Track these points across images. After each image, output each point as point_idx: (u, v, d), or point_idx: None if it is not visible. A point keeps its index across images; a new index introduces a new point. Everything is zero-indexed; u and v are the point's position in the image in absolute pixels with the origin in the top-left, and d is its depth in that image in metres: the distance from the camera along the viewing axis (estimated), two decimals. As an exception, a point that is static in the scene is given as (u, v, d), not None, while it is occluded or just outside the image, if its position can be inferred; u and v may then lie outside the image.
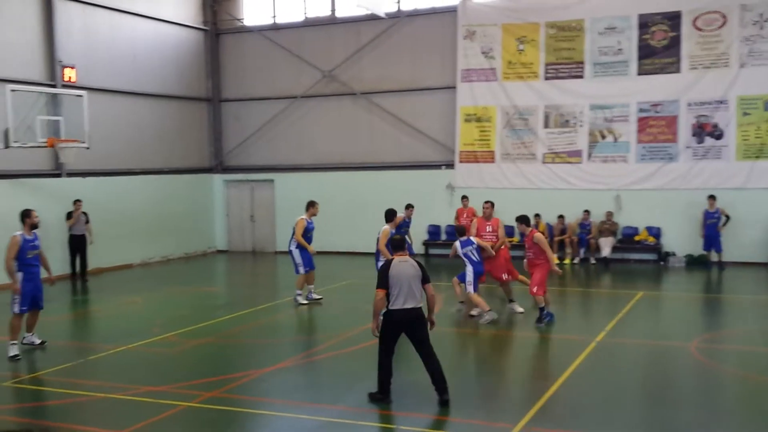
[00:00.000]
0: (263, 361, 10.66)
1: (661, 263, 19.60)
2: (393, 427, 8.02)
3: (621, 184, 20.05)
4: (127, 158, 21.11)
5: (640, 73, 19.77)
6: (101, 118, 19.04)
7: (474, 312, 13.00)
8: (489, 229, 13.66)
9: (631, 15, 19.76)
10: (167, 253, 22.21)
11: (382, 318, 8.46)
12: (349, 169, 22.86)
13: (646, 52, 19.68)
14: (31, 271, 11.12)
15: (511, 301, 13.62)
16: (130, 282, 18.38)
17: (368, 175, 22.49)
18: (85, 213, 18.26)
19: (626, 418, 8.08)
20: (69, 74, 18.98)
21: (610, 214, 20.00)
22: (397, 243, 8.87)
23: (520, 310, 13.33)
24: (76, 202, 18.15)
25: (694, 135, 19.41)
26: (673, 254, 19.58)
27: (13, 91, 15.14)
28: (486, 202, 14.16)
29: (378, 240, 13.47)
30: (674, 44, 19.41)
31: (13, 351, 10.80)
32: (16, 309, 10.94)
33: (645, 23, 19.64)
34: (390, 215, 13.50)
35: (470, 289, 12.85)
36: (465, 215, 18.03)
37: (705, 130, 19.34)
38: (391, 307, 8.35)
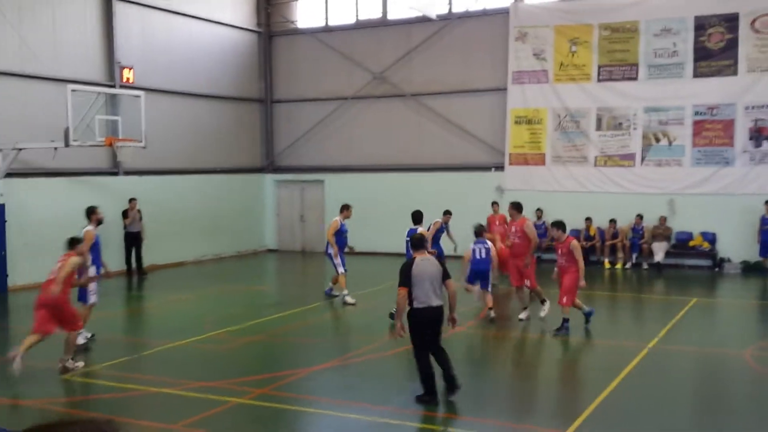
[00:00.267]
0: (311, 359, 10.79)
1: (716, 269, 19.18)
2: (440, 428, 8.04)
3: (675, 188, 19.69)
4: (182, 158, 21.53)
5: (695, 76, 19.39)
6: (157, 118, 19.46)
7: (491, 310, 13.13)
8: (514, 230, 13.37)
9: (687, 17, 19.38)
10: (220, 252, 22.58)
11: (406, 318, 8.52)
12: (398, 171, 22.92)
13: (702, 54, 19.29)
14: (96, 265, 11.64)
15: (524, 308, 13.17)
16: (183, 279, 18.75)
17: (417, 176, 22.52)
18: (139, 211, 18.70)
19: (678, 425, 7.96)
20: (127, 75, 19.47)
21: (663, 219, 19.65)
22: (417, 242, 8.89)
23: (522, 316, 13.00)
24: (132, 200, 18.60)
25: (751, 139, 18.96)
26: (729, 260, 19.15)
27: (73, 91, 15.54)
28: (510, 204, 13.66)
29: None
30: (731, 46, 18.98)
31: (82, 340, 11.19)
32: (93, 300, 11.39)
33: (701, 25, 19.25)
34: (417, 217, 13.37)
35: (465, 283, 12.98)
36: (497, 222, 17.56)
37: (762, 134, 18.87)
38: (416, 306, 8.34)
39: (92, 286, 11.36)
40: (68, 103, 15.25)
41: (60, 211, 17.57)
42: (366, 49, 23.38)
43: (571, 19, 20.58)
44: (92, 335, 11.80)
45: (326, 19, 24.11)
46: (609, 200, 20.21)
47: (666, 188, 19.76)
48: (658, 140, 19.92)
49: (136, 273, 18.73)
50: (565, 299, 11.92)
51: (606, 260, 19.87)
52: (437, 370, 8.56)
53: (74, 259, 10.02)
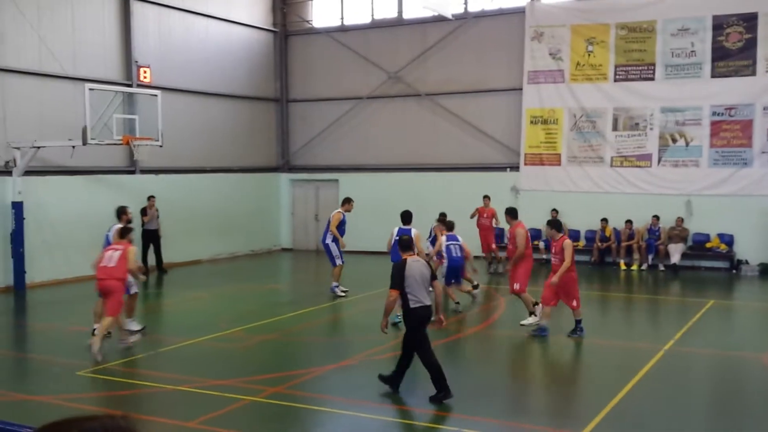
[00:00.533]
0: (326, 358, 10.82)
1: (733, 271, 19.03)
2: (455, 429, 8.03)
3: (692, 189, 19.55)
4: (198, 156, 21.64)
5: (713, 76, 19.25)
6: (174, 117, 19.57)
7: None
8: (509, 236, 13.44)
9: (705, 16, 19.24)
10: (234, 250, 22.68)
11: (400, 318, 8.65)
12: (413, 170, 22.93)
13: (720, 54, 19.15)
14: None
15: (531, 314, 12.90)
16: (199, 277, 18.85)
17: (432, 176, 22.52)
18: (157, 209, 18.82)
19: (694, 429, 7.91)
20: (144, 74, 19.59)
21: (680, 220, 19.52)
22: (405, 243, 9.05)
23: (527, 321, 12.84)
24: (150, 198, 18.71)
25: (770, 139, 18.81)
26: (746, 262, 19.00)
27: (91, 90, 15.65)
28: (505, 211, 13.46)
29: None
30: (750, 46, 18.82)
31: (135, 326, 11.82)
32: (135, 290, 11.92)
33: (719, 24, 19.11)
34: (406, 217, 13.30)
35: (443, 281, 13.22)
36: (485, 215, 18.63)
37: (782, 135, 18.72)
38: (413, 306, 8.52)
39: (130, 278, 11.73)
40: (86, 102, 15.36)
41: (77, 208, 17.74)
42: (381, 48, 23.40)
43: (587, 19, 20.50)
44: (143, 327, 12.07)
45: (342, 18, 24.15)
46: (625, 201, 20.11)
47: (683, 189, 19.63)
48: (675, 141, 19.80)
49: (156, 270, 18.89)
50: (575, 302, 11.72)
51: (622, 261, 19.78)
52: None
53: (133, 248, 10.98)
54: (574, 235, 20.79)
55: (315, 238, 24.64)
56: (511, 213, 13.08)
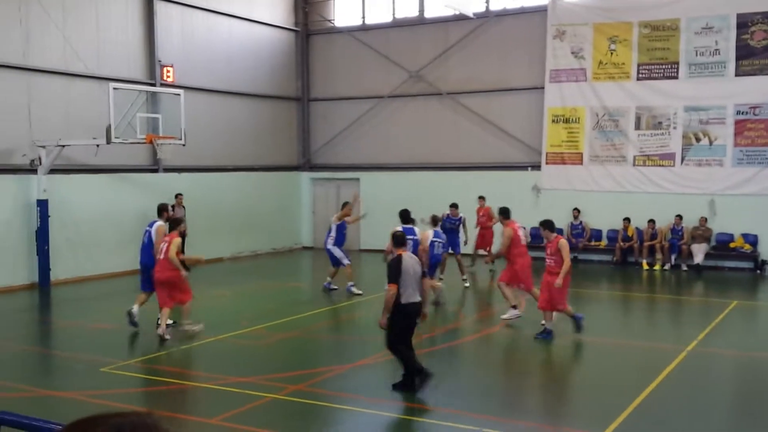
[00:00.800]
0: (346, 356, 10.86)
1: (758, 272, 18.82)
2: (475, 429, 8.03)
3: (716, 188, 19.36)
4: (220, 155, 21.78)
5: (738, 75, 19.04)
6: (196, 115, 19.71)
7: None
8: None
9: (730, 14, 19.03)
10: (256, 248, 22.80)
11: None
12: (434, 169, 22.90)
13: (744, 52, 18.93)
14: None
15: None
16: (221, 275, 18.97)
17: (453, 175, 22.47)
18: (183, 206, 18.96)
19: (716, 429, 7.85)
20: (167, 73, 19.74)
21: (703, 220, 19.34)
22: (400, 239, 9.19)
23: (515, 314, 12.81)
24: (178, 195, 18.82)
25: (796, 139, 18.58)
26: (771, 263, 18.80)
27: (115, 89, 15.80)
28: (498, 211, 13.90)
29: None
30: (776, 44, 18.61)
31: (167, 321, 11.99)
32: None
33: (744, 23, 18.89)
34: (406, 216, 13.69)
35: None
36: (481, 214, 19.10)
37: (808, 134, 18.47)
38: (403, 302, 8.62)
39: None
40: (110, 101, 15.51)
41: (101, 207, 17.95)
42: (402, 47, 23.40)
43: (610, 17, 20.36)
44: (174, 322, 12.28)
45: (363, 17, 24.18)
46: (648, 200, 19.96)
47: (706, 189, 19.44)
48: (698, 140, 19.61)
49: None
50: (560, 306, 11.55)
51: (644, 261, 19.62)
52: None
53: (177, 240, 11.67)
54: (596, 235, 20.70)
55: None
56: (504, 213, 13.23)
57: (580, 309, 12.71)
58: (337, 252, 15.72)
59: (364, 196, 23.69)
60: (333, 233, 15.88)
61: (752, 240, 19.08)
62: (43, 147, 16.36)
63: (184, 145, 17.14)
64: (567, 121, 21.06)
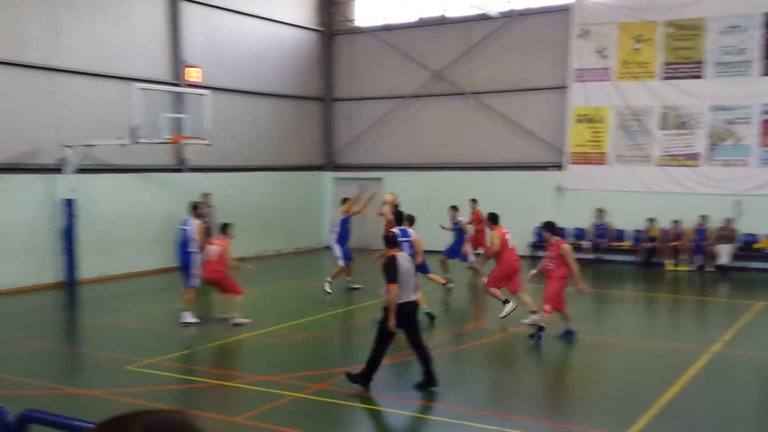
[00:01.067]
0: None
1: (784, 273, 18.62)
2: (497, 429, 8.04)
3: (741, 189, 19.16)
4: (244, 155, 21.92)
5: (764, 74, 18.82)
6: (221, 115, 19.82)
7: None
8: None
9: (755, 13, 18.82)
10: (279, 248, 22.92)
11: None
12: (456, 169, 22.89)
13: (771, 51, 18.73)
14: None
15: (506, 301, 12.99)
16: (244, 274, 19.04)
17: (476, 175, 22.44)
18: (210, 206, 19.09)
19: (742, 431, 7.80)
20: (192, 74, 19.91)
21: (728, 220, 19.15)
22: (392, 240, 9.25)
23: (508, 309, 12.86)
24: (206, 195, 18.91)
25: (823, 139, 18.33)
26: (798, 264, 18.56)
27: (141, 89, 15.98)
28: (486, 216, 14.12)
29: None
30: (804, 43, 18.38)
31: (191, 318, 12.69)
32: (195, 282, 12.94)
33: (771, 21, 18.69)
34: (402, 218, 13.36)
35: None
36: (473, 217, 18.74)
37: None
38: (399, 301, 8.70)
39: (196, 271, 12.85)
40: (136, 102, 15.69)
41: (127, 206, 18.15)
42: (425, 47, 23.40)
43: (635, 16, 20.23)
44: (199, 321, 12.65)
45: (386, 17, 24.21)
46: (672, 200, 19.80)
47: (731, 189, 19.25)
48: (723, 140, 19.42)
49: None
50: (547, 307, 11.33)
51: (669, 262, 19.48)
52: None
53: (229, 247, 12.56)
54: (620, 235, 20.56)
55: (358, 237, 24.74)
56: (492, 218, 13.24)
57: (604, 309, 12.72)
58: (336, 250, 15.87)
59: (387, 194, 23.70)
60: (337, 228, 16.07)
61: (779, 241, 18.86)
62: (70, 147, 16.59)
63: (208, 145, 17.29)
64: (591, 120, 20.95)
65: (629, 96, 20.36)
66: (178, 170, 20.07)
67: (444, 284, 15.23)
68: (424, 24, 23.54)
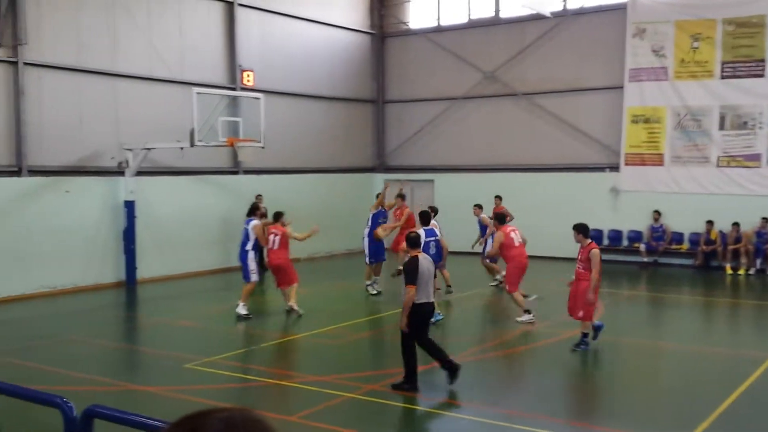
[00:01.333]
0: (422, 357, 10.90)
1: None
2: (550, 432, 8.00)
3: (804, 190, 18.60)
4: (297, 157, 22.17)
5: (829, 71, 18.27)
6: (275, 118, 20.10)
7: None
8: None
9: (821, 9, 18.28)
10: (331, 249, 23.09)
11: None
12: (508, 171, 22.72)
13: (838, 48, 18.15)
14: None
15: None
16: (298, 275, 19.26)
17: (528, 176, 22.25)
18: (264, 207, 19.36)
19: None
20: (247, 77, 20.25)
21: (791, 223, 18.61)
22: (415, 240, 9.30)
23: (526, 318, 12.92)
24: (258, 196, 19.15)
25: None
26: None
27: (198, 93, 16.31)
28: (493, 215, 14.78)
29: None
30: None
31: (244, 310, 13.35)
32: (255, 278, 13.59)
33: (837, 17, 18.11)
34: (426, 218, 13.06)
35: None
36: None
37: None
38: (419, 302, 8.81)
39: (253, 266, 13.48)
40: (193, 106, 16.03)
41: (185, 207, 18.55)
42: (477, 48, 23.32)
43: (692, 14, 19.82)
44: (250, 315, 13.28)
45: (438, 19, 24.22)
46: (732, 202, 19.32)
47: (794, 191, 18.70)
48: (785, 140, 18.88)
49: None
50: (581, 313, 10.99)
51: (728, 266, 19.02)
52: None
53: (289, 230, 13.51)
54: (677, 238, 20.16)
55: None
56: (498, 219, 13.65)
57: (662, 314, 12.49)
58: (366, 246, 16.05)
59: (439, 197, 23.72)
60: (369, 222, 16.20)
61: None
62: (130, 150, 17.02)
63: (263, 147, 17.54)
64: (647, 121, 20.59)
65: (687, 96, 19.96)
66: (234, 173, 20.41)
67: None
68: (475, 25, 23.46)
